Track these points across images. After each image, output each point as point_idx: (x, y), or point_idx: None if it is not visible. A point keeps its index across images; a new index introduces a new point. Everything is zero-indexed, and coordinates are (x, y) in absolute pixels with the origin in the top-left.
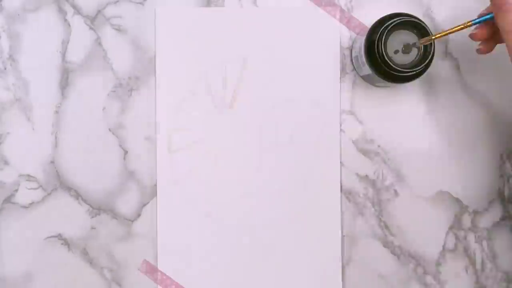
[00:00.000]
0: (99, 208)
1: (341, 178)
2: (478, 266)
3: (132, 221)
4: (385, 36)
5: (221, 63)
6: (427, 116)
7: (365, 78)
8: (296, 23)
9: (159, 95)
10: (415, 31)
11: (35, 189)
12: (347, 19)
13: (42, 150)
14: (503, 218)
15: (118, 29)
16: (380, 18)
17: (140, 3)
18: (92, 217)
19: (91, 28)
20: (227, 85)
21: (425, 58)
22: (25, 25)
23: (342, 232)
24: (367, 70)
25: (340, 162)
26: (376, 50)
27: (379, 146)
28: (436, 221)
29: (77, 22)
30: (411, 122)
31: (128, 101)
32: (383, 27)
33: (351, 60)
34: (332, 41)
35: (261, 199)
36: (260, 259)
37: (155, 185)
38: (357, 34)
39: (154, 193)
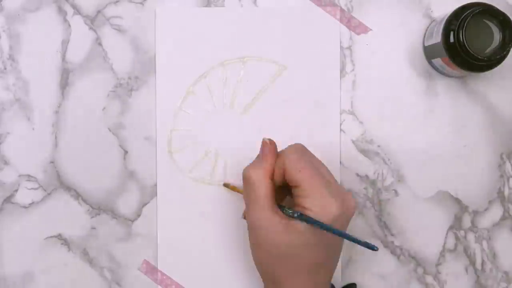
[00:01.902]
0: (99, 208)
1: (341, 178)
2: (478, 266)
3: (132, 221)
4: (466, 24)
5: (221, 63)
6: (427, 116)
7: (437, 67)
8: (296, 23)
9: (159, 95)
10: (494, 21)
11: (35, 189)
12: (347, 19)
13: (42, 150)
14: (503, 218)
15: (118, 29)
16: (460, 7)
17: (140, 3)
18: (92, 217)
19: (91, 28)
20: (227, 85)
21: (504, 47)
22: (25, 25)
23: None
24: (439, 58)
25: (340, 162)
26: (456, 39)
27: (379, 146)
28: (436, 221)
29: (77, 22)
30: (411, 122)
31: (128, 101)
32: (464, 15)
33: (423, 48)
34: (332, 41)
35: None
36: None
37: (155, 185)
38: (432, 21)
39: (154, 193)
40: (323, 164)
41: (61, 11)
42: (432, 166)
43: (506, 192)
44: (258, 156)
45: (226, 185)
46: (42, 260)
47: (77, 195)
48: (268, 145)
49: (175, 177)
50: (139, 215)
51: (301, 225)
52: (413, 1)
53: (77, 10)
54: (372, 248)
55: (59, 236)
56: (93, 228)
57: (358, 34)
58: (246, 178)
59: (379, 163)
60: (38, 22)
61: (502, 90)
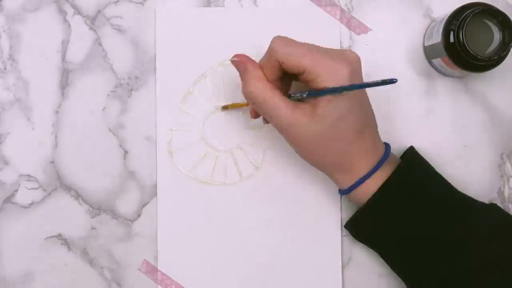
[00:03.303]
0: (99, 208)
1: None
2: None
3: (132, 221)
4: (466, 24)
5: (221, 63)
6: (427, 116)
7: (437, 67)
8: (296, 23)
9: (159, 95)
10: (494, 20)
11: (35, 189)
12: (347, 19)
13: (42, 150)
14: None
15: (118, 29)
16: (461, 6)
17: (140, 3)
18: (92, 217)
19: (91, 28)
20: (227, 85)
21: (503, 47)
22: (25, 25)
23: (342, 232)
24: (439, 58)
25: None
26: (456, 39)
27: None
28: None
29: (77, 22)
30: (411, 122)
31: (128, 101)
32: (464, 15)
33: (423, 48)
34: (332, 41)
35: (261, 198)
36: (260, 259)
37: (155, 185)
38: (433, 21)
39: (154, 193)
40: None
41: (61, 11)
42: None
43: (506, 192)
44: (240, 76)
45: (225, 107)
46: (42, 260)
47: (77, 195)
48: (238, 59)
49: (175, 177)
50: (139, 215)
51: (321, 109)
52: (413, 1)
53: (77, 10)
54: (391, 81)
55: (59, 236)
56: (93, 228)
57: (358, 34)
58: (248, 97)
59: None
60: (38, 22)
61: (502, 90)
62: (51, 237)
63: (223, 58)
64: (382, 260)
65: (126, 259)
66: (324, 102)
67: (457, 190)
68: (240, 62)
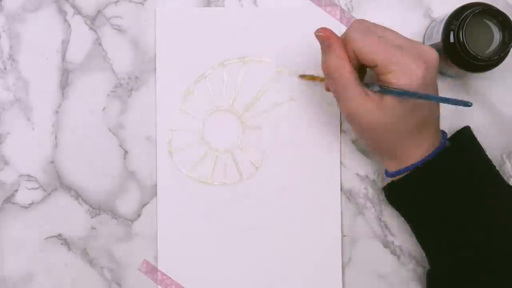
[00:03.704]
0: (99, 208)
1: (341, 178)
2: None
3: (132, 221)
4: (466, 24)
5: (221, 63)
6: None
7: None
8: (296, 23)
9: (159, 95)
10: (494, 20)
11: (35, 189)
12: (347, 19)
13: (42, 150)
14: None
15: (118, 29)
16: (461, 6)
17: (140, 3)
18: (92, 217)
19: (91, 28)
20: (227, 85)
21: (503, 47)
22: (25, 25)
23: (342, 232)
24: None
25: (340, 162)
26: (456, 39)
27: None
28: None
29: (77, 22)
30: None
31: (128, 101)
32: (464, 15)
33: None
34: None
35: (261, 198)
36: (260, 259)
37: (155, 185)
38: (432, 21)
39: (154, 193)
40: (386, 28)
41: (61, 11)
42: None
43: None
44: (322, 51)
45: (302, 76)
46: (42, 260)
47: (77, 195)
48: (323, 34)
49: (175, 177)
50: (139, 215)
51: (390, 100)
52: (413, 1)
53: (77, 10)
54: (466, 104)
55: (59, 236)
56: (93, 228)
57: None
58: (327, 72)
59: (379, 163)
60: (38, 22)
61: (502, 90)
62: (51, 237)
63: (223, 58)
64: (382, 260)
65: (126, 259)
66: (392, 99)
67: (503, 180)
68: (325, 37)
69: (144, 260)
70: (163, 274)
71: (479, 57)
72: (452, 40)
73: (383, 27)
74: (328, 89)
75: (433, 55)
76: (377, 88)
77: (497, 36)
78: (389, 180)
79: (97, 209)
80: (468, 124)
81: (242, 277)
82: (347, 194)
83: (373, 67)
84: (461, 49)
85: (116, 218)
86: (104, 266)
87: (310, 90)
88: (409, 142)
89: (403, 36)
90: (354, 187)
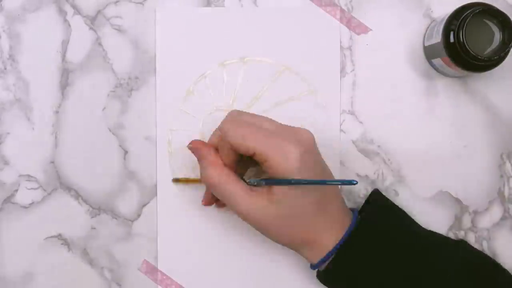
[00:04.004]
0: (99, 208)
1: (341, 178)
2: None
3: (132, 221)
4: (466, 24)
5: (221, 63)
6: (427, 116)
7: (437, 67)
8: (296, 23)
9: (159, 95)
10: (494, 20)
11: (35, 189)
12: (347, 19)
13: (42, 150)
14: (503, 218)
15: (118, 29)
16: (461, 6)
17: (140, 3)
18: (92, 217)
19: (91, 28)
20: (227, 85)
21: (503, 47)
22: (25, 25)
23: None
24: (439, 58)
25: (340, 162)
26: (456, 39)
27: (379, 146)
28: (436, 221)
29: (77, 22)
30: (411, 122)
31: (128, 101)
32: (464, 15)
33: (423, 48)
34: (332, 41)
35: None
36: (260, 259)
37: (155, 185)
38: (432, 21)
39: (154, 193)
40: (259, 116)
41: (61, 11)
42: (432, 166)
43: (506, 192)
44: (198, 162)
45: (176, 180)
46: (42, 260)
47: (77, 195)
48: (193, 146)
49: (175, 177)
50: (139, 215)
51: (277, 190)
52: (413, 1)
53: (77, 10)
54: (350, 182)
55: (59, 236)
56: (93, 228)
57: (358, 34)
58: (206, 182)
59: (379, 163)
60: (38, 22)
61: (502, 90)
62: (51, 237)
63: (223, 58)
64: None
65: (126, 259)
66: (279, 189)
67: (423, 230)
68: (196, 149)
69: (144, 260)
70: (163, 274)
71: (479, 57)
72: (452, 40)
73: (257, 115)
74: (208, 202)
75: (308, 136)
76: (263, 183)
77: (497, 36)
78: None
79: (97, 209)
80: (468, 124)
81: (242, 277)
82: (347, 194)
83: (252, 156)
84: (461, 49)
85: (116, 218)
86: (104, 266)
87: (310, 91)
88: (314, 228)
89: (278, 122)
90: (354, 187)
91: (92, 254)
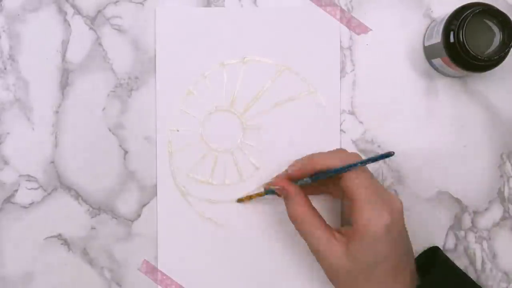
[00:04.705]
0: (99, 208)
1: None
2: (478, 266)
3: (132, 221)
4: (466, 24)
5: (221, 63)
6: (427, 116)
7: (436, 67)
8: (296, 23)
9: (159, 95)
10: (494, 20)
11: (35, 189)
12: (347, 19)
13: (42, 150)
14: (503, 218)
15: (118, 29)
16: (461, 6)
17: (140, 3)
18: (92, 217)
19: (91, 28)
20: (227, 85)
21: (504, 47)
22: (25, 25)
23: None
24: (439, 58)
25: None
26: (456, 39)
27: (379, 146)
28: (436, 221)
29: (77, 22)
30: (411, 122)
31: (128, 101)
32: (464, 15)
33: (423, 48)
34: (332, 41)
35: (261, 198)
36: (260, 259)
37: (155, 185)
38: (433, 21)
39: (154, 193)
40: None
41: (61, 11)
42: (432, 166)
43: (506, 192)
44: (284, 200)
45: (240, 200)
46: (42, 260)
47: (77, 195)
48: (279, 187)
49: (175, 177)
50: (139, 215)
51: (359, 246)
52: (413, 1)
53: (77, 10)
54: (388, 155)
55: (59, 236)
56: (93, 228)
57: (358, 34)
58: (292, 220)
59: (379, 163)
60: (38, 22)
61: (502, 90)
62: (51, 237)
63: (223, 58)
64: None
65: (126, 259)
66: (357, 242)
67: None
68: (282, 189)
69: (144, 260)
70: (163, 274)
71: (479, 57)
72: (452, 40)
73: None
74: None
75: (398, 206)
76: (309, 180)
77: (497, 36)
78: None
79: (97, 209)
80: (468, 124)
81: (242, 277)
82: None
83: (346, 197)
84: (461, 49)
85: (116, 218)
86: (104, 266)
87: (310, 91)
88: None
89: (381, 184)
90: None
91: (92, 254)
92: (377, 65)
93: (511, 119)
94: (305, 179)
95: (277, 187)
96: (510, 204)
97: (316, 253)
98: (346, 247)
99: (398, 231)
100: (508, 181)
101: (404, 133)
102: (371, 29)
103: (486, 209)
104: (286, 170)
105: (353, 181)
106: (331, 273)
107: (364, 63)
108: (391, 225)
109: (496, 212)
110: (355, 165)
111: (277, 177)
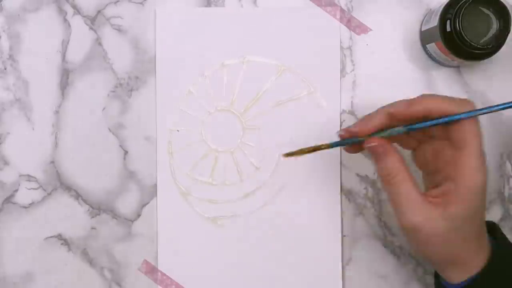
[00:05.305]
0: (99, 208)
1: (341, 178)
2: None
3: (132, 221)
4: (463, 13)
5: (221, 63)
6: None
7: (433, 55)
8: (296, 23)
9: (159, 95)
10: (491, 9)
11: (35, 189)
12: (347, 19)
13: (42, 150)
14: (503, 218)
15: (118, 29)
16: None
17: (140, 3)
18: (92, 217)
19: (91, 28)
20: (227, 85)
21: (500, 35)
22: (25, 25)
23: (342, 232)
24: (436, 47)
25: (340, 162)
26: (452, 27)
27: None
28: None
29: (77, 22)
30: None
31: (128, 101)
32: (460, 4)
33: (420, 34)
34: (332, 41)
35: (261, 198)
36: (260, 259)
37: (155, 185)
38: (430, 9)
39: (154, 193)
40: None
41: (61, 11)
42: None
43: (506, 192)
44: (377, 158)
45: (288, 155)
46: (42, 260)
47: (77, 195)
48: (376, 144)
49: (175, 177)
50: (139, 215)
51: (456, 204)
52: (413, 1)
53: (77, 10)
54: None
55: (59, 236)
56: (93, 228)
57: (358, 34)
58: (386, 177)
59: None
60: (38, 22)
61: (502, 90)
62: (51, 237)
63: (223, 58)
64: (382, 260)
65: (126, 259)
66: (459, 201)
67: None
68: (379, 146)
69: (144, 260)
70: (163, 274)
71: (476, 45)
72: (448, 29)
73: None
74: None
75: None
76: (402, 129)
77: (494, 24)
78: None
79: (97, 209)
80: None
81: (241, 277)
82: (347, 194)
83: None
84: (458, 37)
85: (116, 218)
86: (104, 266)
87: (310, 91)
88: (469, 249)
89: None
90: (354, 187)
91: (92, 254)
92: (377, 65)
93: (511, 119)
94: (397, 128)
95: (373, 144)
96: (510, 204)
97: (409, 218)
98: (443, 209)
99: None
100: (508, 181)
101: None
102: (371, 29)
103: (486, 209)
104: (387, 108)
105: (472, 129)
106: (421, 237)
107: (364, 63)
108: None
109: (496, 212)
110: (475, 112)
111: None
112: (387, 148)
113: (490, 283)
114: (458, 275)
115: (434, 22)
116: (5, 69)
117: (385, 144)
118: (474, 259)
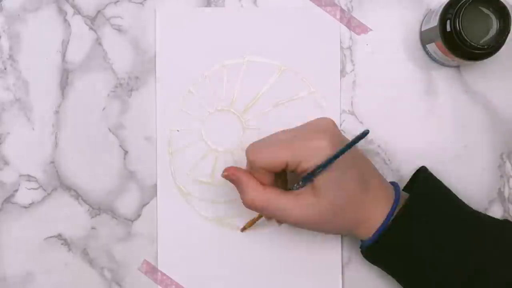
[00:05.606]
0: (99, 208)
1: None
2: None
3: (132, 221)
4: (463, 13)
5: (221, 63)
6: (427, 116)
7: (433, 55)
8: (296, 23)
9: (159, 95)
10: (491, 8)
11: (35, 189)
12: (347, 19)
13: (42, 150)
14: (503, 218)
15: (118, 29)
16: None
17: (140, 3)
18: (92, 217)
19: (91, 28)
20: (227, 85)
21: (501, 35)
22: (25, 25)
23: None
24: (436, 47)
25: None
26: (452, 27)
27: (379, 146)
28: None
29: (77, 22)
30: (411, 122)
31: (128, 101)
32: (460, 4)
33: (420, 35)
34: (332, 41)
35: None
36: (260, 259)
37: (155, 185)
38: (430, 9)
39: (154, 193)
40: (275, 133)
41: (61, 11)
42: (432, 166)
43: (506, 192)
44: (237, 189)
45: (244, 229)
46: (42, 260)
47: (77, 195)
48: (228, 173)
49: (175, 177)
50: (139, 215)
51: (319, 187)
52: (413, 1)
53: (77, 10)
54: (364, 134)
55: (59, 236)
56: (93, 228)
57: (358, 34)
58: (251, 207)
59: (379, 163)
60: (38, 22)
61: (502, 90)
62: (51, 237)
63: (223, 58)
64: None
65: (126, 259)
66: (320, 180)
67: (470, 209)
68: (232, 175)
69: (144, 260)
70: (163, 274)
71: (476, 45)
72: (448, 28)
73: (271, 135)
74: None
75: (328, 122)
76: (300, 182)
77: (493, 24)
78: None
79: (97, 209)
80: (468, 124)
81: (241, 277)
82: None
83: (289, 168)
84: (458, 37)
85: (116, 218)
86: (104, 266)
87: (310, 91)
88: (366, 206)
89: (292, 128)
90: None
91: (92, 254)
92: (377, 65)
93: (511, 119)
94: (296, 185)
95: (225, 174)
96: (510, 204)
97: (295, 219)
98: (312, 193)
99: (341, 142)
100: (508, 181)
101: (404, 133)
102: (371, 29)
103: (486, 209)
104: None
105: (278, 154)
106: (314, 223)
107: (364, 63)
108: (331, 142)
109: (496, 212)
110: (336, 156)
111: (227, 168)
112: (241, 178)
113: (398, 231)
114: (366, 232)
115: (434, 22)
116: (5, 69)
117: (237, 173)
118: (374, 215)
